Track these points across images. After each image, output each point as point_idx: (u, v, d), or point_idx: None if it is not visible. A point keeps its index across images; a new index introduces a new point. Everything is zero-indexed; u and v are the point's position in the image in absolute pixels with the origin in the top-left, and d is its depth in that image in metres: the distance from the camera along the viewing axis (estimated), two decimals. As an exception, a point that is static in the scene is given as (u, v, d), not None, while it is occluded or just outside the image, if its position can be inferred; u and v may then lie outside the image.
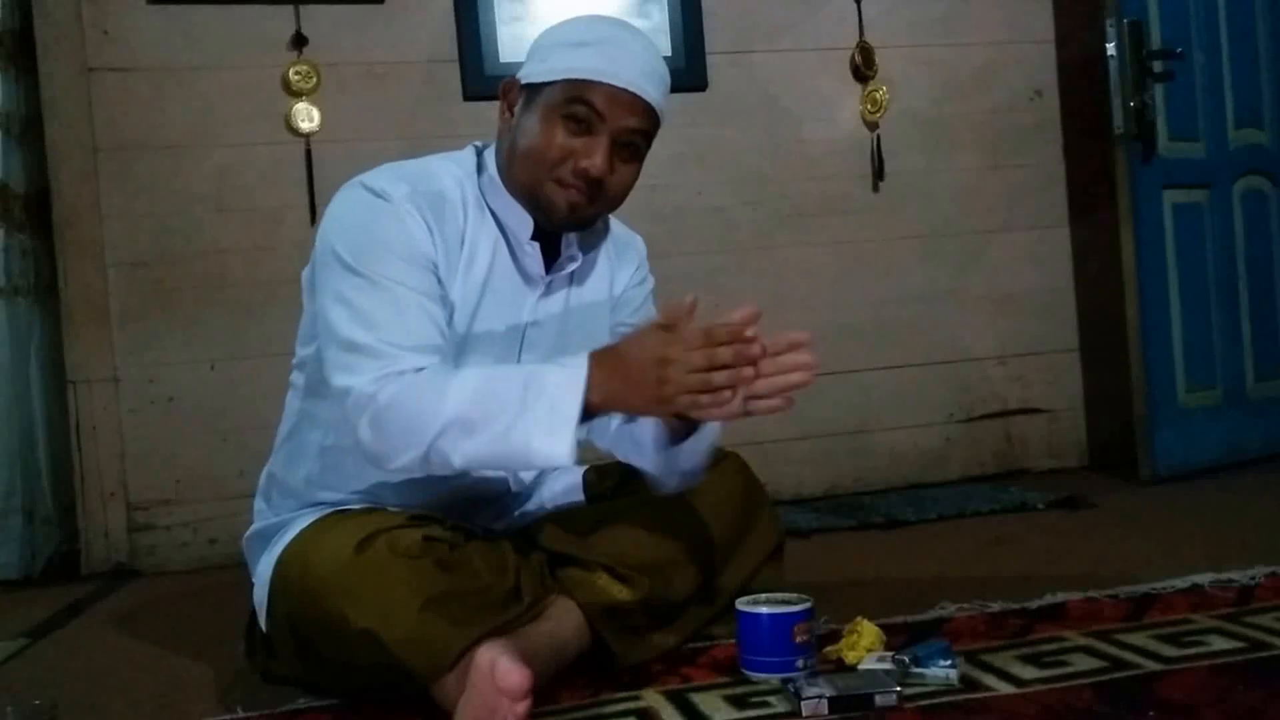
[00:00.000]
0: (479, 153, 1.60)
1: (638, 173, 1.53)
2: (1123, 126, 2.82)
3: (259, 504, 1.66)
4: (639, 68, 1.46)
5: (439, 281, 1.46)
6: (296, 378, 1.62)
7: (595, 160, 1.45)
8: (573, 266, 1.59)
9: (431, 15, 2.82)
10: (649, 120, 1.49)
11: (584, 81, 1.44)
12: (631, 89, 1.45)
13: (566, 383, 1.32)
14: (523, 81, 1.51)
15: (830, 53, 3.06)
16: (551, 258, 1.57)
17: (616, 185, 1.50)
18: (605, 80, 1.44)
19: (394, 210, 1.45)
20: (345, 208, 1.49)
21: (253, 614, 1.58)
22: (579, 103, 1.44)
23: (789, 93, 3.04)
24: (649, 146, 1.52)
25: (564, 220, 1.50)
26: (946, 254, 3.13)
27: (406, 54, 2.81)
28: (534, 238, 1.54)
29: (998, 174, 3.17)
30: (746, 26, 3.00)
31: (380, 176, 1.49)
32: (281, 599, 1.45)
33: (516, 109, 1.51)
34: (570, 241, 1.58)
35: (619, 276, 1.68)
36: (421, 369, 1.38)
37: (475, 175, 1.56)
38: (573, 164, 1.45)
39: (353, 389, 1.37)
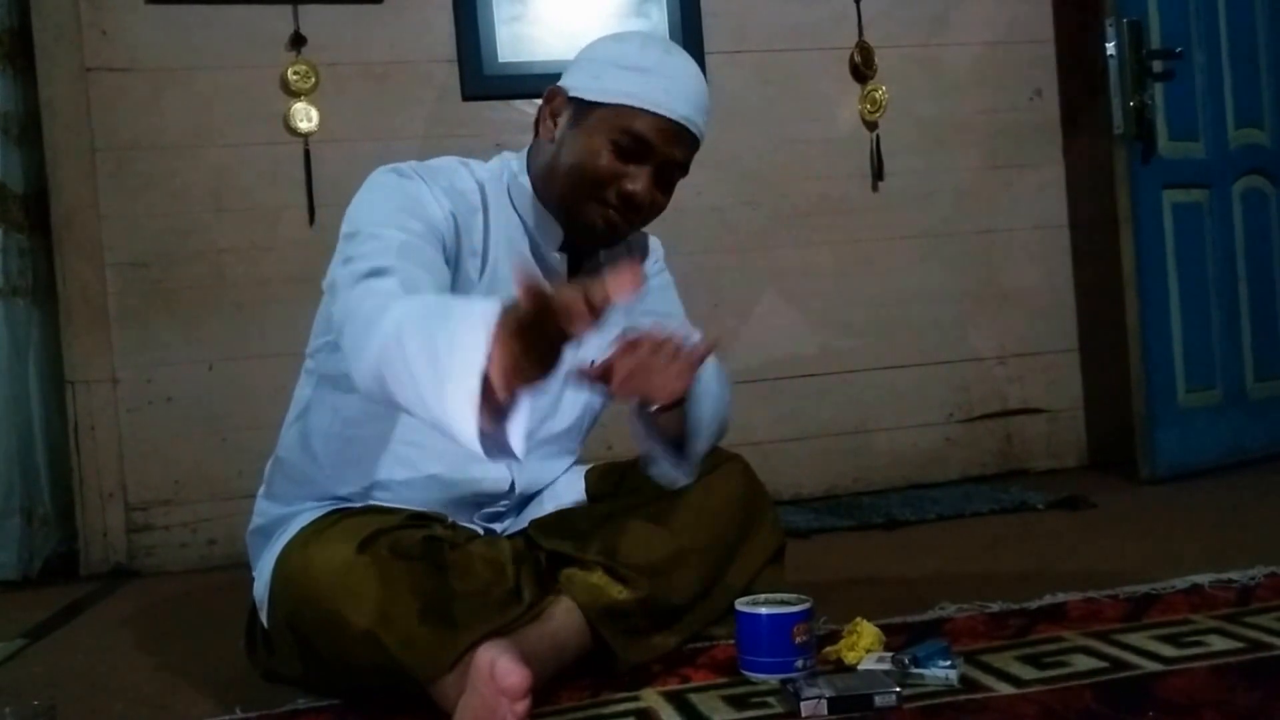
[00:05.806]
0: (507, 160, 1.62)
1: (670, 197, 1.56)
2: (1123, 126, 2.82)
3: (260, 496, 1.66)
4: (691, 101, 1.50)
5: (443, 248, 1.45)
6: (310, 365, 1.62)
7: (639, 186, 1.48)
8: None
9: (431, 15, 2.82)
10: (692, 151, 1.53)
11: (639, 110, 1.46)
12: (683, 122, 1.49)
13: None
14: (570, 94, 1.52)
15: (830, 53, 3.06)
16: (574, 267, 1.61)
17: (653, 209, 1.54)
18: (660, 112, 1.47)
19: (410, 183, 1.47)
20: (364, 189, 1.50)
21: (253, 610, 1.59)
22: (631, 130, 1.47)
23: (789, 93, 3.03)
24: (686, 174, 1.56)
25: (598, 237, 1.54)
26: (946, 254, 3.13)
27: (406, 54, 2.81)
28: (560, 249, 1.57)
29: (998, 174, 3.17)
30: (746, 26, 3.00)
31: (404, 163, 1.51)
32: (281, 598, 1.45)
33: (561, 121, 1.52)
34: (597, 257, 1.62)
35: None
36: (382, 269, 1.32)
37: (501, 181, 1.57)
38: (617, 187, 1.48)
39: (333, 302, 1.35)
